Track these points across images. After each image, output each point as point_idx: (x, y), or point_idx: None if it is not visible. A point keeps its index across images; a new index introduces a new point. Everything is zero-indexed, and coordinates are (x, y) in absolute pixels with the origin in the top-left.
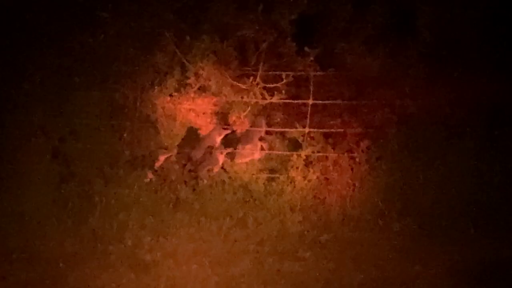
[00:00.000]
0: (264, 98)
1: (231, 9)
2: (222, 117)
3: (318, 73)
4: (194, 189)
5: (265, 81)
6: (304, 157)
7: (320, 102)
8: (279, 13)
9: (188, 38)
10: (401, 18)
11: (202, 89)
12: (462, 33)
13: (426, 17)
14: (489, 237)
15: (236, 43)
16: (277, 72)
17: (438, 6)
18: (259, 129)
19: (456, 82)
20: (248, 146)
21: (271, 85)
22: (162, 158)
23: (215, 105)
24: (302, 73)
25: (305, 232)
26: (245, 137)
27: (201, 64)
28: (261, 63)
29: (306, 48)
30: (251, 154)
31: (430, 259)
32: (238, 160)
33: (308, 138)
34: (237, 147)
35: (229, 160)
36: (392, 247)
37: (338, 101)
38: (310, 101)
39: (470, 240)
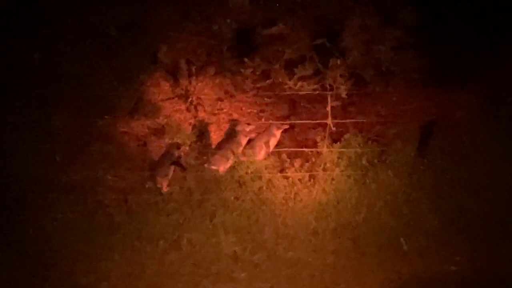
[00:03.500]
0: (198, 118)
1: (173, 20)
2: (157, 139)
3: (252, 92)
4: (128, 212)
5: (199, 100)
6: (238, 178)
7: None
8: (218, 23)
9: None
10: (330, 38)
11: (136, 111)
12: (389, 51)
13: (351, 38)
14: (421, 254)
15: (170, 63)
16: (211, 91)
17: (363, 28)
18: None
19: (386, 99)
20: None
21: (205, 104)
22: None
23: (149, 127)
24: (237, 91)
25: (240, 253)
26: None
27: (135, 87)
28: (195, 82)
29: (245, 60)
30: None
31: (364, 276)
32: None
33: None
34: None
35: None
36: (327, 265)
37: (271, 121)
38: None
39: (404, 257)
